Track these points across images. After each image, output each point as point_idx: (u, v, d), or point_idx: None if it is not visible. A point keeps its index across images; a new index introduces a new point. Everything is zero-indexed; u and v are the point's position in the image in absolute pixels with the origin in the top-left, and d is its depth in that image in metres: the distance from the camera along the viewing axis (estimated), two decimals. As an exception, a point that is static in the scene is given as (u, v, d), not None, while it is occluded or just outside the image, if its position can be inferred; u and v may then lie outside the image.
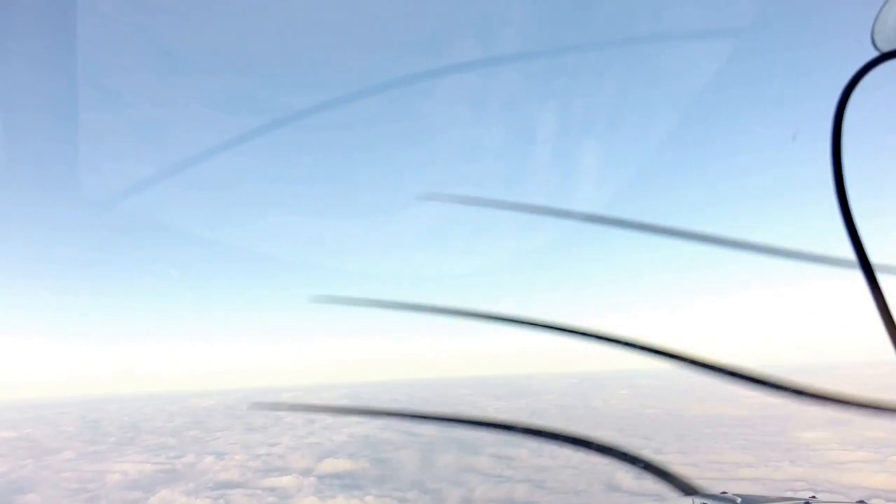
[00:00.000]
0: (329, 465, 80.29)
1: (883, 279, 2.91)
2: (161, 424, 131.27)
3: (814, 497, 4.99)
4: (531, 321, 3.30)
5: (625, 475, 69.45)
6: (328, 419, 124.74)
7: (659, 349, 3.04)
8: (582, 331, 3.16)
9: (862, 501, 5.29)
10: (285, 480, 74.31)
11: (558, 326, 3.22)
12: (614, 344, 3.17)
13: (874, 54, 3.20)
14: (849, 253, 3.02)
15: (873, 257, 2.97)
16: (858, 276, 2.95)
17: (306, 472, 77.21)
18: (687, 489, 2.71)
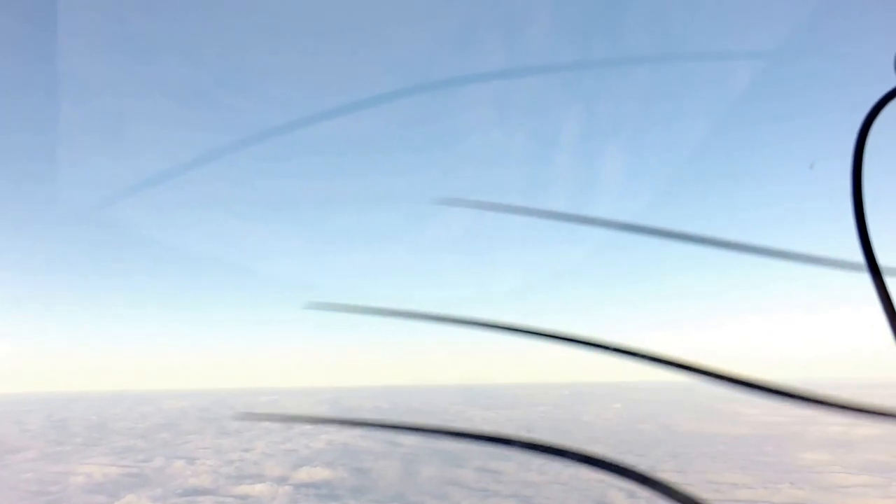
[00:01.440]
0: (305, 474, 77.81)
1: None
2: (131, 425, 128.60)
3: None
4: (537, 331, 2.94)
5: (618, 493, 67.44)
6: (307, 425, 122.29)
7: (676, 362, 2.73)
8: (594, 342, 2.83)
9: None
10: (258, 488, 71.73)
11: (566, 337, 2.88)
12: (629, 356, 2.81)
13: None
14: (869, 288, 2.84)
15: None
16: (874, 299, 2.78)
17: (281, 481, 74.62)
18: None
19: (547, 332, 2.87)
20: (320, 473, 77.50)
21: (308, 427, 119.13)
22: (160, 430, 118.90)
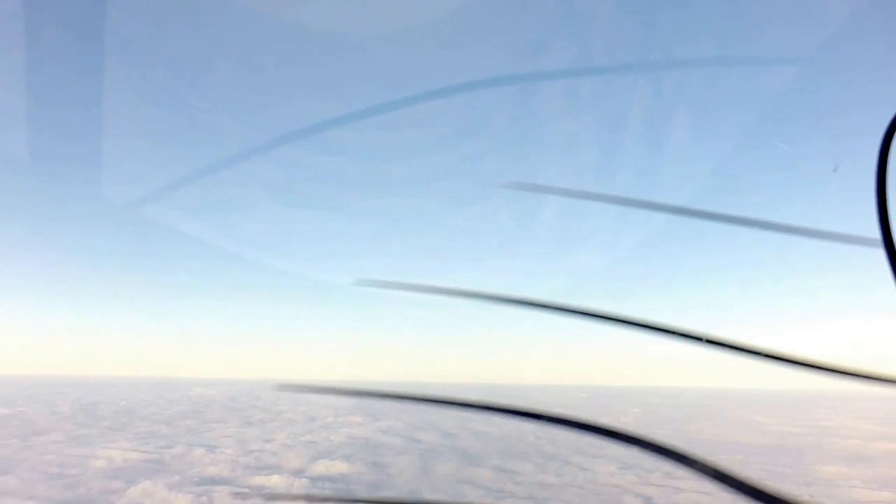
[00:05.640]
0: (323, 467, 77.75)
1: None
2: (157, 411, 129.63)
3: None
4: (570, 308, 3.00)
5: (634, 499, 66.28)
6: (329, 417, 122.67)
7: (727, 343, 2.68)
8: (624, 319, 2.88)
9: None
10: (274, 480, 71.62)
11: (603, 315, 2.94)
12: (661, 333, 2.81)
13: None
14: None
15: None
16: None
17: (298, 473, 74.50)
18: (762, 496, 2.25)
19: (593, 312, 2.93)
20: (338, 467, 77.27)
21: (330, 420, 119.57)
22: (185, 417, 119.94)
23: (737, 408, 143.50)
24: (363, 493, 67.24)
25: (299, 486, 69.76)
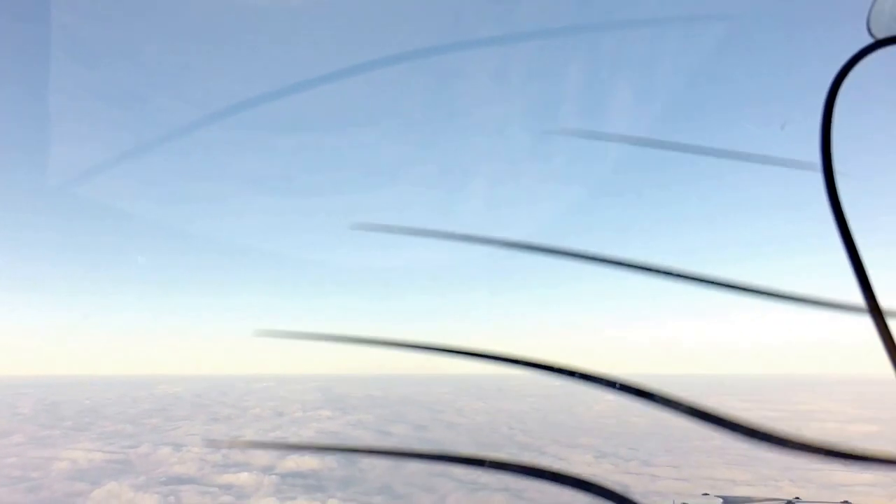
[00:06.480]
0: (293, 463, 76.43)
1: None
2: (122, 410, 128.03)
3: (797, 499, 6.01)
4: (466, 351, 2.69)
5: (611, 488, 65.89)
6: (298, 412, 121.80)
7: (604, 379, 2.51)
8: (524, 360, 2.58)
9: (846, 502, 6.25)
10: (243, 478, 70.92)
11: (497, 356, 2.60)
12: (554, 373, 2.54)
13: (870, 41, 3.03)
14: (843, 259, 2.66)
15: (865, 253, 2.61)
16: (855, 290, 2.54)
17: (267, 470, 73.51)
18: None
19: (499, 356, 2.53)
20: (308, 463, 76.06)
21: (299, 414, 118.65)
22: (151, 416, 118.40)
23: (713, 394, 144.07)
24: (335, 489, 66.51)
25: (269, 483, 69.16)
